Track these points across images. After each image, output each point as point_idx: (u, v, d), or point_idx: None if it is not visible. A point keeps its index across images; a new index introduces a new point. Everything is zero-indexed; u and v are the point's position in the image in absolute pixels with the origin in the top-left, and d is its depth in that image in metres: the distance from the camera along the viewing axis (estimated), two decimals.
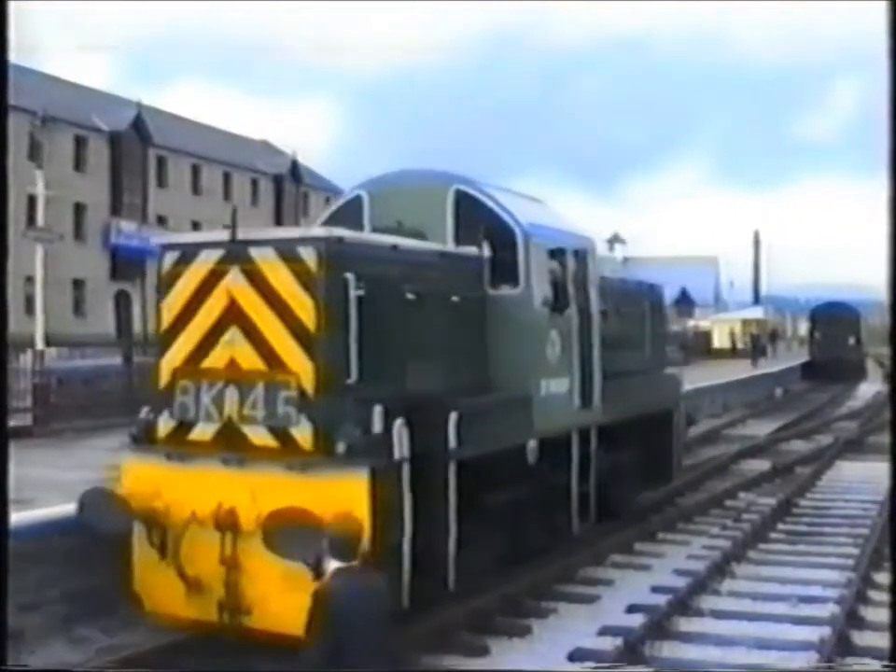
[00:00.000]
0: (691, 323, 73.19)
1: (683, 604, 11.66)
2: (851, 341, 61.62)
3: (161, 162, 65.60)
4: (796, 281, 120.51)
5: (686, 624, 11.18)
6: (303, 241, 9.58)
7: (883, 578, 12.77)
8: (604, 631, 10.81)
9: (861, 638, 10.62)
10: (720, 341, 75.39)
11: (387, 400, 9.45)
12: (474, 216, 11.93)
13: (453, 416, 9.88)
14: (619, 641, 10.17)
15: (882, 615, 11.26)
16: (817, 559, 14.17)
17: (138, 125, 62.00)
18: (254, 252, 9.64)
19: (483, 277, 11.77)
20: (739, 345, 71.64)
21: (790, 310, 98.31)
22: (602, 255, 14.79)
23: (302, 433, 9.38)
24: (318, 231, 10.09)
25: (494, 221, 11.92)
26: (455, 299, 11.18)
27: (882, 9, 4.97)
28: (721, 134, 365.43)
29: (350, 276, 9.44)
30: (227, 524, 9.27)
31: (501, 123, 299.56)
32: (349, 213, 12.42)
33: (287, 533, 8.53)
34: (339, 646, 5.78)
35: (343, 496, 8.80)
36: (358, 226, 11.78)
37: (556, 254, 12.63)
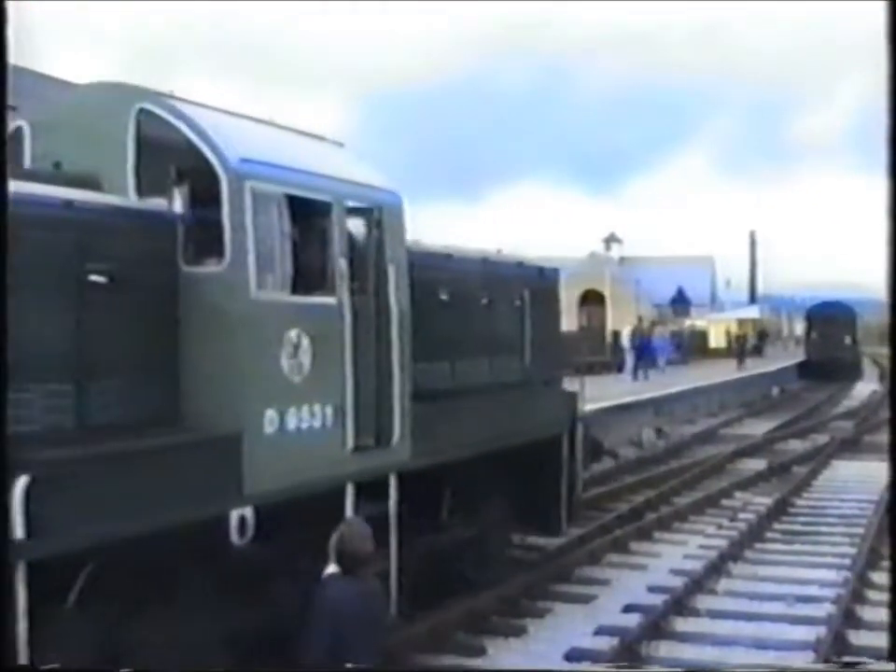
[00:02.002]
0: (687, 323, 73.21)
1: (680, 604, 11.66)
2: (847, 340, 61.64)
3: None
4: (793, 280, 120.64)
5: (683, 624, 11.18)
6: None
7: (879, 577, 12.78)
8: (600, 631, 10.81)
9: (858, 638, 10.62)
10: (716, 340, 75.39)
11: None
12: (164, 149, 7.99)
13: (20, 483, 5.84)
14: (615, 641, 10.17)
15: (879, 614, 11.29)
16: (813, 558, 14.17)
17: None
18: None
19: (176, 247, 7.73)
20: (735, 345, 71.67)
21: (786, 309, 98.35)
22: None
23: None
24: None
25: (191, 156, 7.85)
26: (114, 278, 7.06)
27: (882, 9, 4.95)
28: (720, 133, 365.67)
29: None
30: None
31: (501, 122, 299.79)
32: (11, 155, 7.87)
33: None
34: (335, 646, 5.78)
35: None
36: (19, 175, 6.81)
37: (307, 209, 8.48)
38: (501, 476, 11.78)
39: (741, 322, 75.21)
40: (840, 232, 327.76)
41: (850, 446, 26.06)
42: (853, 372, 58.99)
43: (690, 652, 10.31)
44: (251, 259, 7.81)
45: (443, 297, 10.65)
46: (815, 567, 13.70)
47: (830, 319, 61.55)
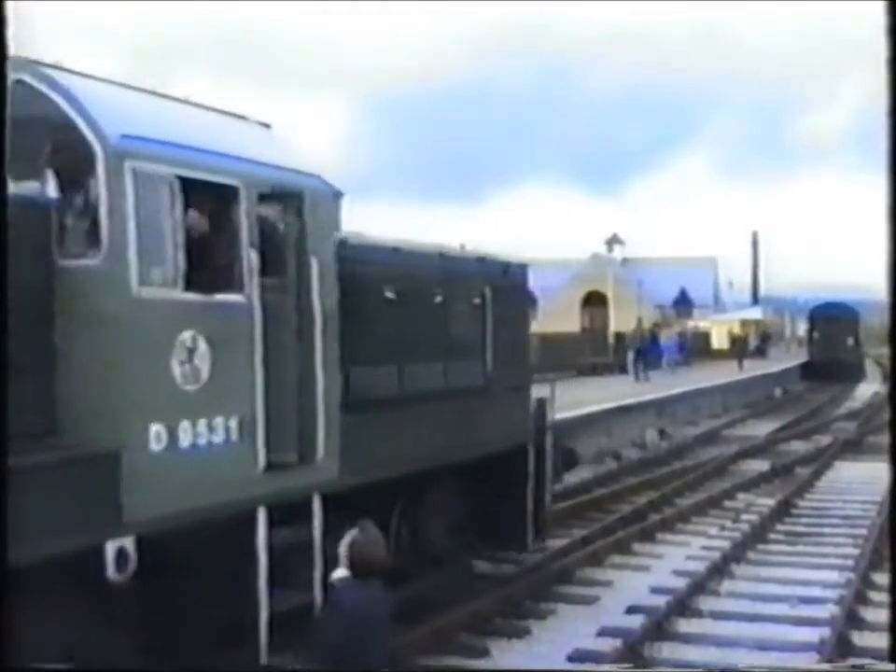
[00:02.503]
0: (690, 324, 73.20)
1: (682, 605, 11.66)
2: (850, 341, 61.64)
3: None
4: (795, 281, 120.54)
5: (685, 625, 11.18)
6: None
7: (882, 578, 12.77)
8: (603, 632, 10.81)
9: (861, 639, 10.62)
10: (718, 342, 75.38)
11: None
12: (41, 126, 6.94)
13: None
14: (618, 642, 10.18)
15: (882, 615, 11.29)
16: (816, 560, 14.16)
17: None
18: None
19: (50, 237, 6.75)
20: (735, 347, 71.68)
21: (789, 310, 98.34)
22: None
23: None
24: None
25: (67, 132, 6.88)
26: None
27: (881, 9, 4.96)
28: (721, 134, 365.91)
29: None
30: None
31: (502, 123, 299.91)
32: None
33: None
34: (349, 649, 5.78)
35: None
36: None
37: (208, 194, 7.57)
38: (460, 491, 11.10)
39: (744, 323, 75.23)
40: (842, 233, 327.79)
41: (853, 447, 26.05)
42: (856, 374, 58.95)
43: (693, 654, 10.30)
44: (132, 250, 6.76)
45: (389, 295, 9.59)
46: (818, 568, 13.69)
47: (832, 320, 61.56)
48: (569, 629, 11.06)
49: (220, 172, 7.59)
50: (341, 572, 6.04)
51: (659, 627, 10.77)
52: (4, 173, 5.44)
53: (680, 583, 12.54)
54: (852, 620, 11.12)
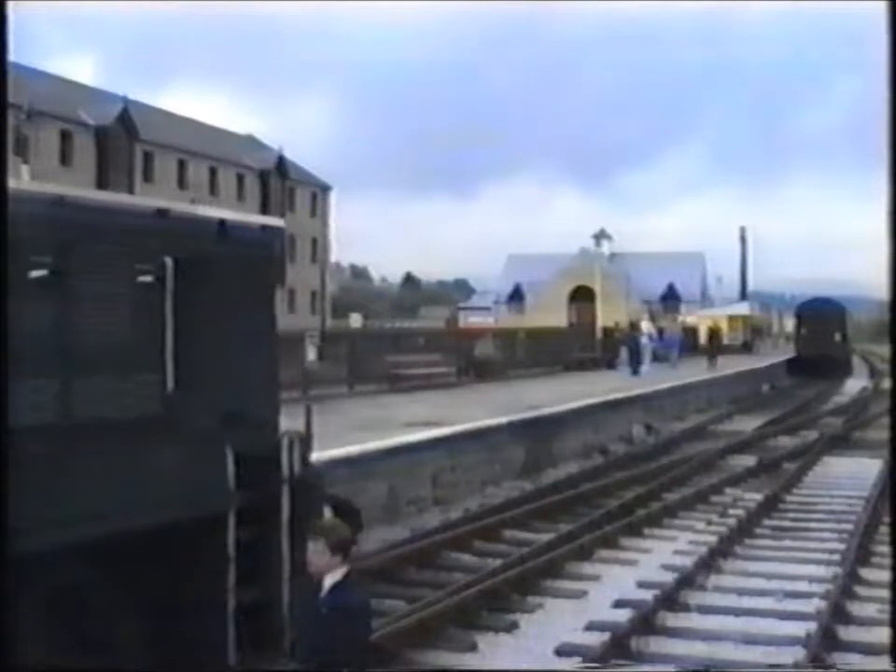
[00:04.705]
0: (679, 319, 73.32)
1: (670, 599, 11.68)
2: (837, 337, 61.84)
3: (147, 157, 65.44)
4: (784, 277, 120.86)
5: (673, 620, 11.19)
6: None
7: (868, 573, 12.82)
8: (591, 626, 10.82)
9: (847, 633, 10.65)
10: (705, 337, 75.49)
11: None
12: None
13: None
14: (606, 636, 10.19)
15: (868, 609, 11.35)
16: (803, 554, 14.19)
17: (124, 120, 61.94)
18: None
19: None
20: (725, 341, 71.81)
21: (776, 306, 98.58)
22: None
23: None
24: None
25: None
26: None
27: (881, 9, 4.95)
28: (712, 131, 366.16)
29: None
30: None
31: (497, 118, 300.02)
32: None
33: None
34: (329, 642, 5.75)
35: None
36: None
37: None
38: (92, 591, 6.86)
39: (731, 318, 75.35)
40: (831, 230, 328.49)
41: (840, 442, 26.11)
42: (843, 369, 59.16)
43: (680, 648, 10.32)
44: None
45: None
46: (804, 562, 13.72)
47: (820, 316, 61.78)
48: (557, 623, 11.07)
49: None
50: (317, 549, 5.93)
51: (646, 621, 10.79)
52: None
53: (668, 578, 12.56)
54: (838, 614, 11.14)
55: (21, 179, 6.77)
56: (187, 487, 7.20)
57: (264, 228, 8.53)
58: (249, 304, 8.18)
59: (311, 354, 28.66)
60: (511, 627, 10.85)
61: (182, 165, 69.14)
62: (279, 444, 8.07)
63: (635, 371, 38.71)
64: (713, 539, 14.67)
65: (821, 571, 13.15)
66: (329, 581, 5.86)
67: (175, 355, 7.21)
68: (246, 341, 8.02)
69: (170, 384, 7.16)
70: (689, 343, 57.24)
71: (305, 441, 8.30)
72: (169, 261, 7.22)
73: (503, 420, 21.21)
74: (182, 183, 68.72)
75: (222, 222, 7.98)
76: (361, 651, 5.87)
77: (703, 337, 71.26)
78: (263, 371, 8.33)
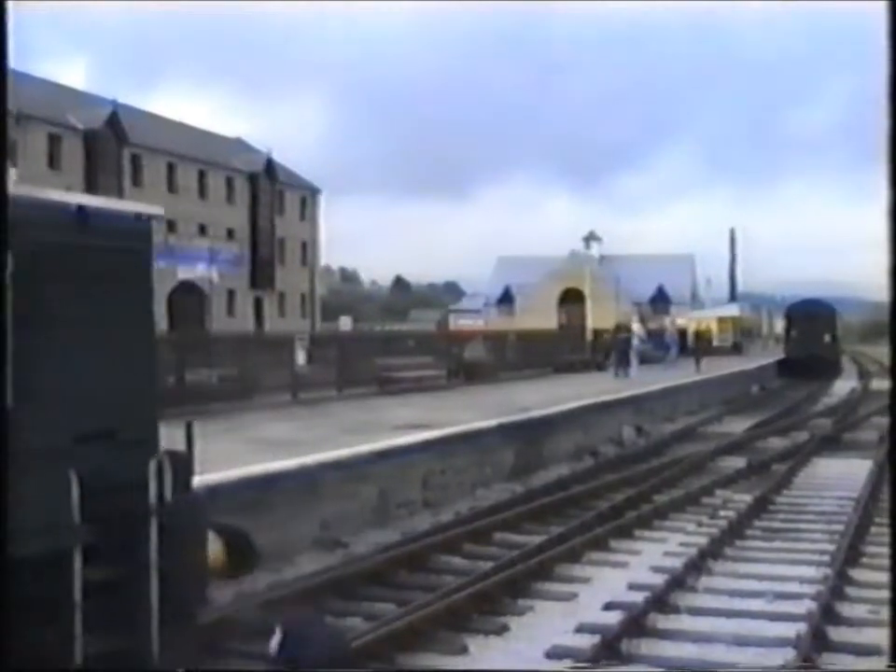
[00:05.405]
0: (667, 320, 73.44)
1: (660, 601, 11.66)
2: (827, 338, 62.03)
3: (135, 160, 65.35)
4: (773, 278, 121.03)
5: (663, 621, 11.18)
6: None
7: (859, 574, 12.83)
8: (581, 628, 10.80)
9: (838, 634, 10.64)
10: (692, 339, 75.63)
11: None
12: None
13: None
14: (596, 639, 10.17)
15: (858, 610, 11.35)
16: (793, 556, 14.19)
17: (113, 123, 61.87)
18: None
19: None
20: (715, 343, 71.97)
21: (766, 307, 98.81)
22: None
23: None
24: None
25: None
26: None
27: (881, 9, 4.94)
28: (703, 133, 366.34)
29: None
30: None
31: (490, 120, 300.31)
32: None
33: None
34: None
35: None
36: None
37: None
38: None
39: (721, 320, 75.51)
40: (822, 231, 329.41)
41: (830, 444, 26.14)
42: (833, 370, 59.37)
43: (670, 649, 10.30)
44: None
45: None
46: (795, 563, 13.71)
47: (809, 317, 61.98)
48: (547, 625, 11.04)
49: None
50: None
51: (637, 623, 10.77)
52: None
53: (658, 580, 12.55)
54: (829, 615, 11.14)
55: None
56: (18, 520, 5.72)
57: (139, 217, 7.42)
58: (118, 305, 7.09)
59: (300, 357, 28.68)
60: (502, 630, 10.82)
61: (171, 168, 69.06)
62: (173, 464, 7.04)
63: (625, 374, 38.78)
64: (704, 540, 14.66)
65: (812, 572, 13.14)
66: None
67: (15, 366, 6.00)
68: (113, 348, 7.01)
69: (9, 398, 5.90)
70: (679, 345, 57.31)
71: (185, 464, 7.17)
72: (8, 257, 5.95)
73: (493, 422, 21.19)
74: (171, 186, 68.68)
75: (80, 208, 6.90)
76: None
77: (692, 339, 71.62)
78: (135, 382, 7.22)
